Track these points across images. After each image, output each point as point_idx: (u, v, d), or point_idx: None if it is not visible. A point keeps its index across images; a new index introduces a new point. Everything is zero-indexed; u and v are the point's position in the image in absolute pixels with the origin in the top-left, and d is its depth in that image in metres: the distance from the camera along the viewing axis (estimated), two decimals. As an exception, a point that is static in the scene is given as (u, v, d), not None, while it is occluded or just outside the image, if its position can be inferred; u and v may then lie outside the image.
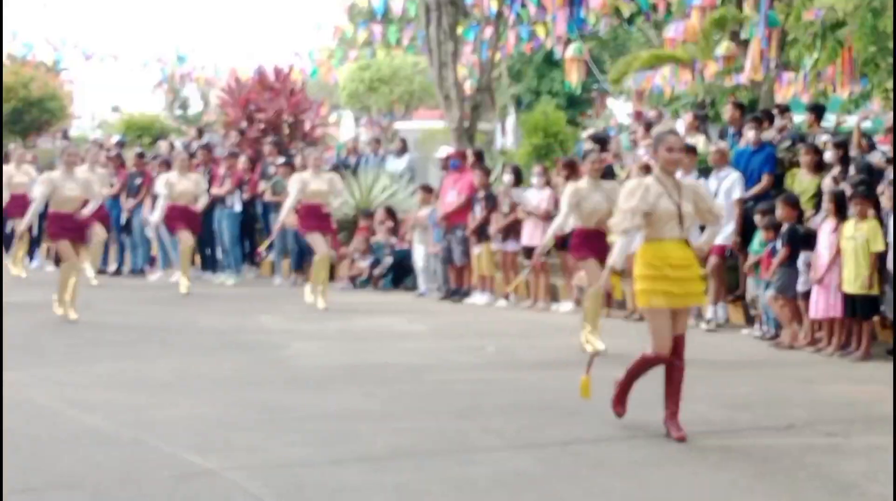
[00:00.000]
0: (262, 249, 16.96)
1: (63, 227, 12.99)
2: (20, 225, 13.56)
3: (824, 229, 11.51)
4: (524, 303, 15.22)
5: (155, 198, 18.33)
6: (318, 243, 14.77)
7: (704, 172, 13.66)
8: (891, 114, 13.95)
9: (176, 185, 16.43)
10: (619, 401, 7.93)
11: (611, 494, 6.20)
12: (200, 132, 23.57)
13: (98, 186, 13.84)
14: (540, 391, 9.21)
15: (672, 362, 7.66)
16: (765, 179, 13.43)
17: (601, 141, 16.56)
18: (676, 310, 7.64)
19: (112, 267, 19.37)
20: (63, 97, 31.64)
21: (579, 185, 11.33)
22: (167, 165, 18.16)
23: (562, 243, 13.33)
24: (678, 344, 7.69)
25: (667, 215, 7.50)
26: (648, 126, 16.34)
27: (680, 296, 7.58)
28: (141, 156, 19.93)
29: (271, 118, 22.54)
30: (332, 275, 17.91)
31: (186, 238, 16.40)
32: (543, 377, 9.91)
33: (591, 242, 11.21)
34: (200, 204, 16.85)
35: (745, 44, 19.64)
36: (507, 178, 15.63)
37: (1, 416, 7.42)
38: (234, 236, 18.23)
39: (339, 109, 37.82)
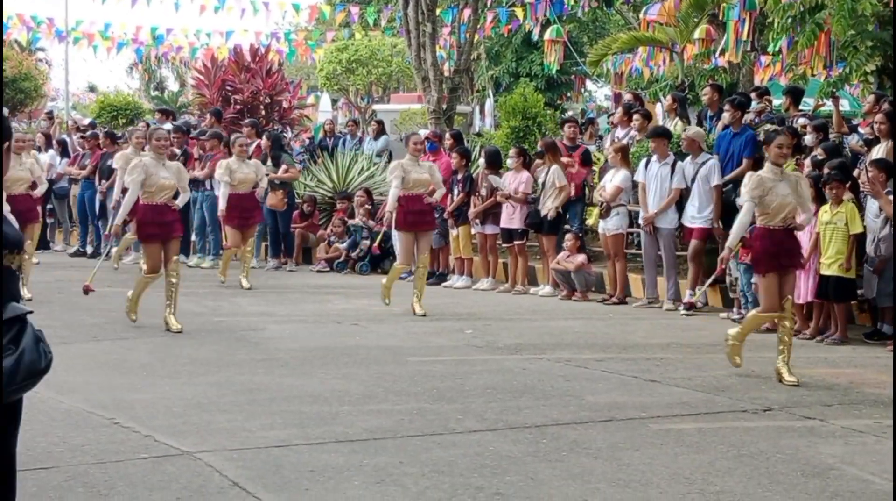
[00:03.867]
0: (376, 245, 15.60)
1: (157, 223, 11.45)
2: (115, 220, 12.08)
3: (802, 213, 11.53)
4: (502, 286, 15.21)
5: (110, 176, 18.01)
6: (407, 244, 13.04)
7: (681, 155, 13.68)
8: (870, 97, 13.98)
9: (236, 172, 15.20)
10: None
11: (590, 475, 6.20)
12: (168, 114, 23.37)
13: (185, 174, 12.27)
14: (519, 373, 9.21)
15: None
16: (745, 163, 13.44)
17: (575, 122, 16.61)
18: None
19: (89, 250, 19.27)
20: (37, 77, 31.41)
21: (763, 174, 9.30)
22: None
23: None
24: None
25: None
26: (628, 109, 16.34)
27: None
28: (111, 136, 19.69)
29: (247, 99, 22.44)
30: (309, 257, 17.91)
31: (247, 236, 15.45)
32: (522, 359, 9.90)
33: (778, 247, 9.26)
34: (260, 189, 15.76)
35: (724, 26, 19.68)
36: (482, 161, 15.63)
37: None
38: (215, 220, 17.98)
39: (316, 91, 37.71)
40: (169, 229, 11.53)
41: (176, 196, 11.70)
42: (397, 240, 13.58)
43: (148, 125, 21.44)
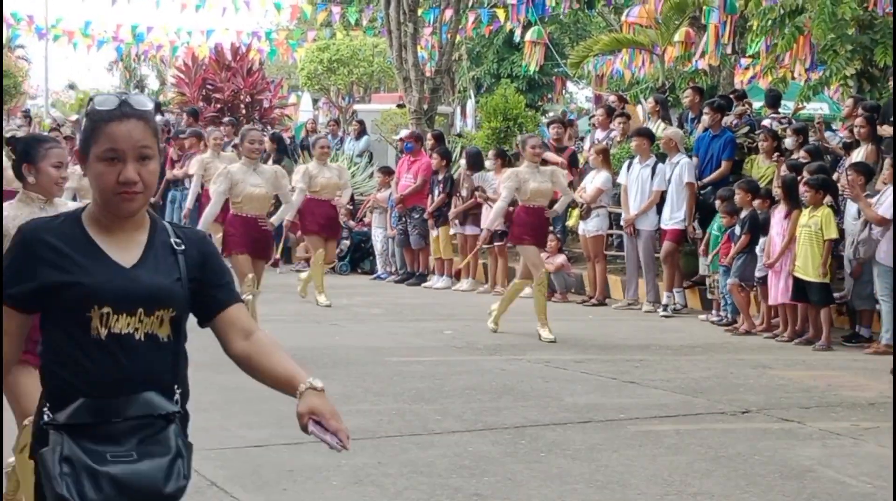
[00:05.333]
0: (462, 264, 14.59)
1: (247, 237, 10.10)
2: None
3: (776, 215, 11.57)
4: (482, 287, 15.21)
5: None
6: (533, 257, 11.26)
7: (662, 157, 13.71)
8: (849, 101, 14.05)
9: (316, 176, 13.18)
10: None
11: (568, 477, 6.20)
12: (157, 107, 23.23)
13: (285, 181, 10.78)
14: (498, 374, 9.21)
15: None
16: (724, 165, 13.50)
17: (560, 123, 16.64)
18: None
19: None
20: (17, 74, 31.26)
21: None
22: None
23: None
24: None
25: None
26: (609, 111, 16.38)
27: None
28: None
29: (228, 98, 22.40)
30: (289, 257, 17.86)
31: (330, 249, 13.71)
32: (501, 360, 9.91)
33: None
34: (345, 198, 14.11)
35: (704, 29, 19.75)
36: (464, 162, 15.65)
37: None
38: (192, 219, 17.79)
39: (297, 90, 37.63)
40: (258, 249, 10.13)
41: (274, 210, 10.69)
42: (521, 254, 11.53)
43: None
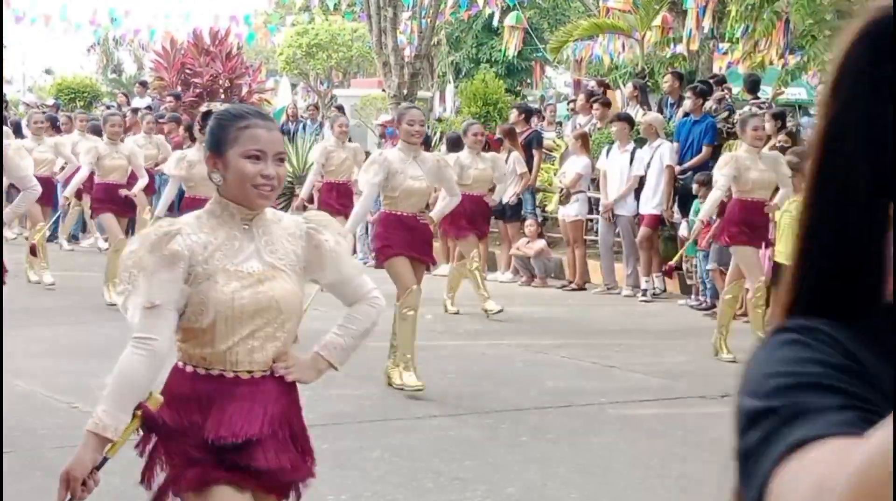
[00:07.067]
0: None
1: (404, 236, 8.08)
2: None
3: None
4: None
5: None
6: (749, 261, 9.75)
7: (640, 143, 13.75)
8: (821, 87, 14.13)
9: (468, 167, 11.48)
10: None
11: (549, 460, 6.24)
12: (146, 86, 23.10)
13: (453, 173, 8.92)
14: (479, 359, 9.24)
15: None
16: (705, 150, 13.53)
17: (528, 112, 16.56)
18: None
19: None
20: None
21: None
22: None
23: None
24: None
25: None
26: (590, 96, 16.37)
27: None
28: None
29: (207, 83, 22.33)
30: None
31: (471, 246, 11.60)
32: (482, 345, 9.93)
33: None
34: (497, 195, 12.08)
35: (684, 14, 19.76)
36: (444, 147, 15.63)
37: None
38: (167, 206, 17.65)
39: (275, 75, 37.54)
40: (418, 253, 8.29)
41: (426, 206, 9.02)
42: (736, 256, 9.92)
43: (108, 108, 21.30)
